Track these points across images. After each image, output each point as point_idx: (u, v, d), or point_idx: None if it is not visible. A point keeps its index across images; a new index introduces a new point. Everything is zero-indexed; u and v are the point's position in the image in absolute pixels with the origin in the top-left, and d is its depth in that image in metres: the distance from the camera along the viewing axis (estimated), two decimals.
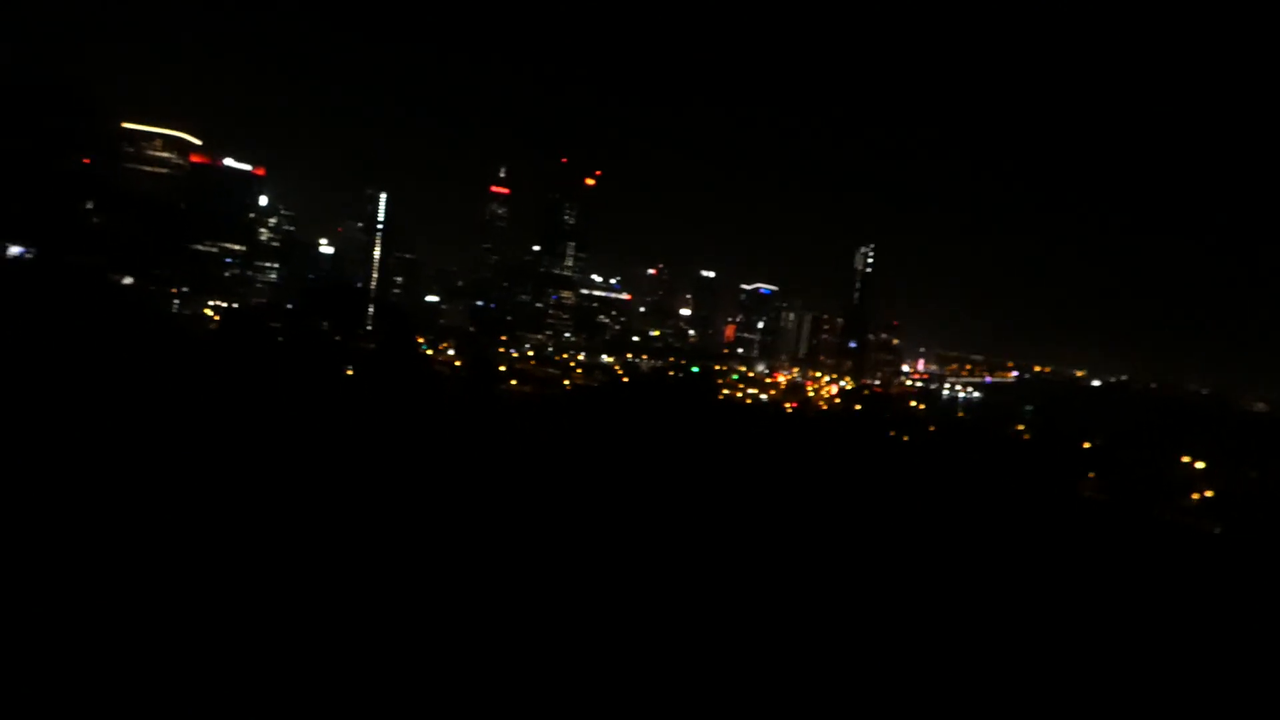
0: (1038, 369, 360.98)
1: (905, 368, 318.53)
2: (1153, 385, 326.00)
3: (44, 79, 21.68)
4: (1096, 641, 11.29)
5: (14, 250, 22.37)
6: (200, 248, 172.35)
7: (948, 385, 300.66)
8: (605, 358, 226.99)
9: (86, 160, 23.65)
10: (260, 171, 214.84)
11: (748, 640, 9.52)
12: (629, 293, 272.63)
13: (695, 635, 9.37)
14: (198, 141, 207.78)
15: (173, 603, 7.83)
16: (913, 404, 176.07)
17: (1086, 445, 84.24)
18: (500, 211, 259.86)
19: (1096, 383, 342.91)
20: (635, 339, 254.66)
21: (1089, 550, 20.07)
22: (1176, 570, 19.09)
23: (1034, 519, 26.65)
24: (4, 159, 20.61)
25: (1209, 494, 69.69)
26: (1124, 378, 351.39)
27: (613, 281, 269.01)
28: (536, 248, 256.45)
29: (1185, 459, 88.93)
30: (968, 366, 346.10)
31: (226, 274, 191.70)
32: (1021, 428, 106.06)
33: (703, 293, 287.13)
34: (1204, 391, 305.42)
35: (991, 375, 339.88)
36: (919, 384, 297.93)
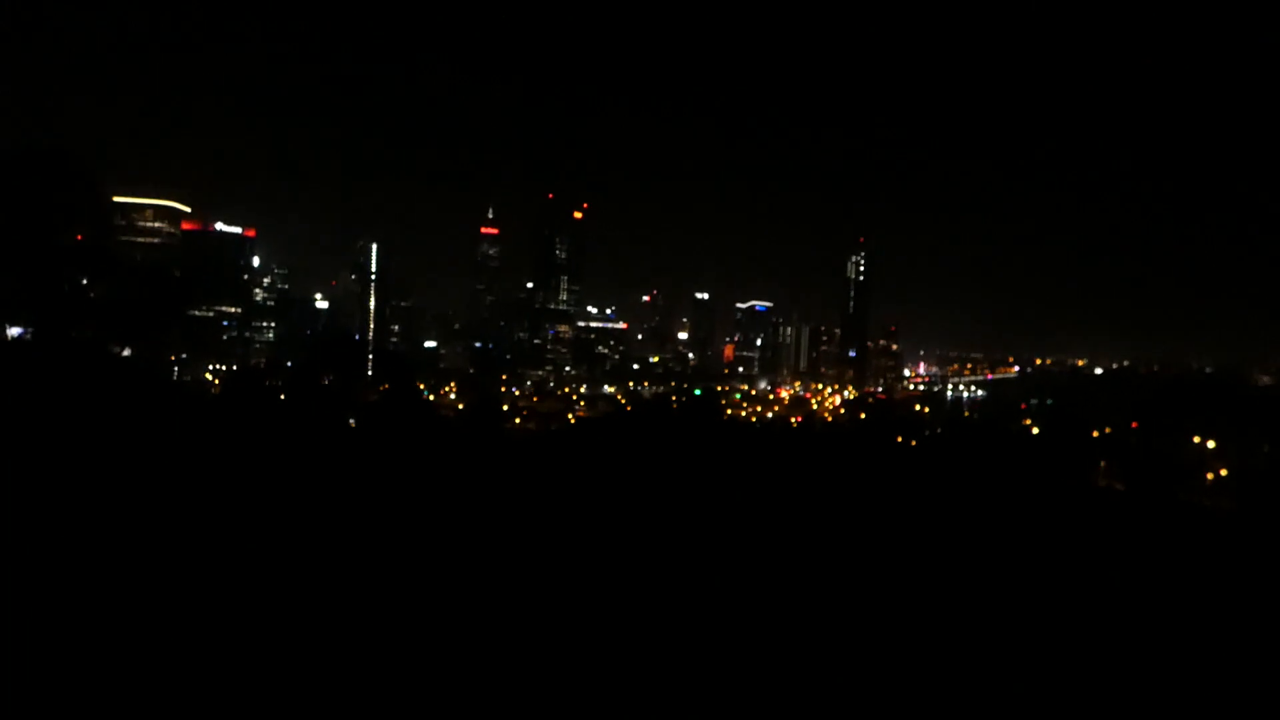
0: (1039, 362, 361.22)
1: (907, 371, 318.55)
2: (1155, 368, 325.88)
3: (36, 156, 21.89)
4: (1135, 631, 11.18)
5: (14, 331, 22.46)
6: (197, 313, 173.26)
7: (951, 385, 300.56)
8: (607, 388, 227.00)
9: (80, 236, 23.85)
10: (251, 233, 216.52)
11: (781, 662, 9.43)
12: (625, 321, 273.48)
13: (725, 663, 9.29)
14: (187, 209, 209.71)
15: (185, 661, 7.78)
16: (917, 407, 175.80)
17: (1095, 434, 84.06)
18: (492, 252, 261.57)
19: (1099, 371, 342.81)
20: (635, 366, 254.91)
21: (1113, 540, 19.92)
22: (1203, 553, 18.93)
23: (1051, 513, 26.48)
24: (2, 237, 20.78)
25: (1223, 472, 69.31)
26: (1126, 363, 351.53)
27: (608, 311, 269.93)
28: (530, 284, 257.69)
29: (1196, 439, 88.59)
30: (969, 365, 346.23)
31: (224, 336, 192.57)
32: (1029, 422, 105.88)
33: (699, 315, 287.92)
34: (1208, 370, 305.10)
35: (994, 372, 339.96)
36: (922, 387, 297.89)
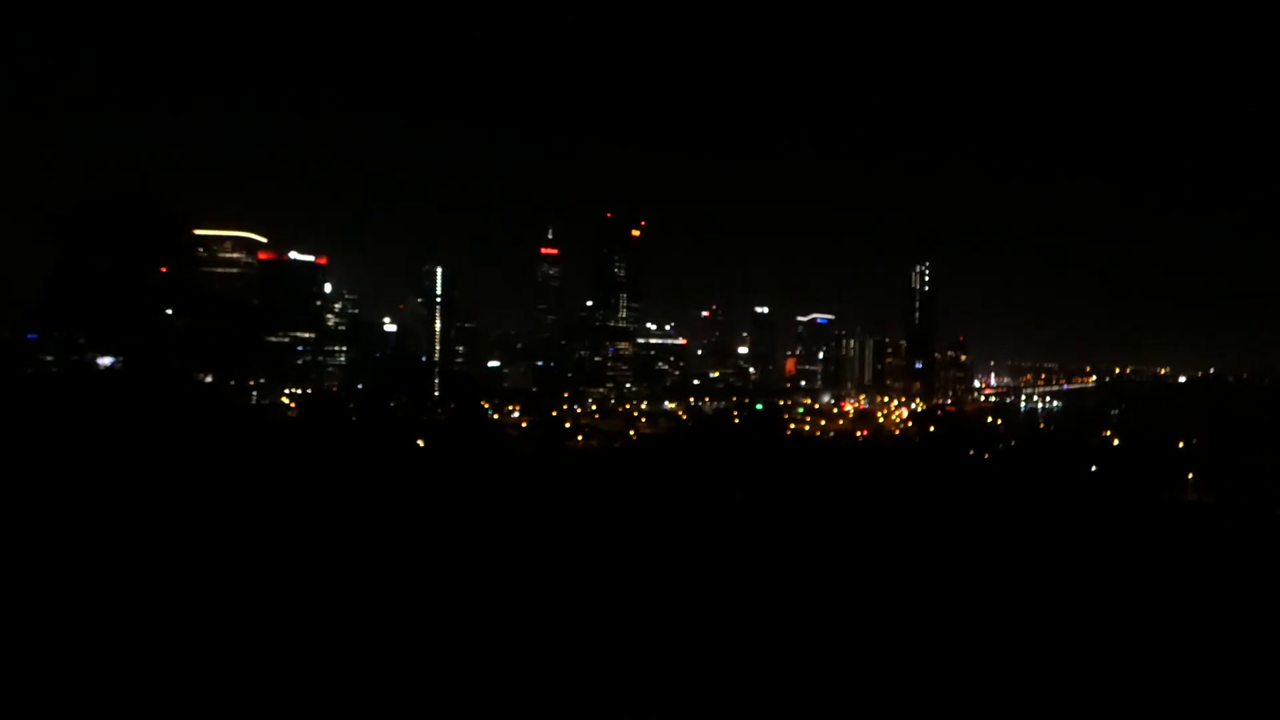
0: (1118, 370, 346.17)
1: (977, 383, 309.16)
2: (1245, 375, 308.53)
3: (126, 196, 23.29)
4: (1235, 652, 10.58)
5: (105, 361, 23.80)
6: (273, 339, 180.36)
7: (1024, 397, 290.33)
8: (668, 404, 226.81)
9: (165, 270, 25.17)
10: (323, 261, 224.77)
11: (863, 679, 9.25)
12: (685, 337, 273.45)
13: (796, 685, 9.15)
14: (263, 239, 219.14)
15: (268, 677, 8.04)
16: (990, 419, 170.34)
17: (1181, 445, 79.92)
18: (552, 272, 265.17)
19: (1183, 379, 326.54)
20: (696, 382, 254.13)
21: (1203, 556, 18.89)
22: None
23: (1135, 528, 25.26)
24: (94, 276, 22.17)
25: None
26: (1212, 371, 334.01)
27: (668, 328, 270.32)
28: (590, 303, 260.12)
29: None
30: (1043, 376, 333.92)
31: (299, 361, 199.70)
32: (1108, 433, 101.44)
33: (759, 329, 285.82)
34: None
35: (1070, 382, 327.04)
36: (994, 398, 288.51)
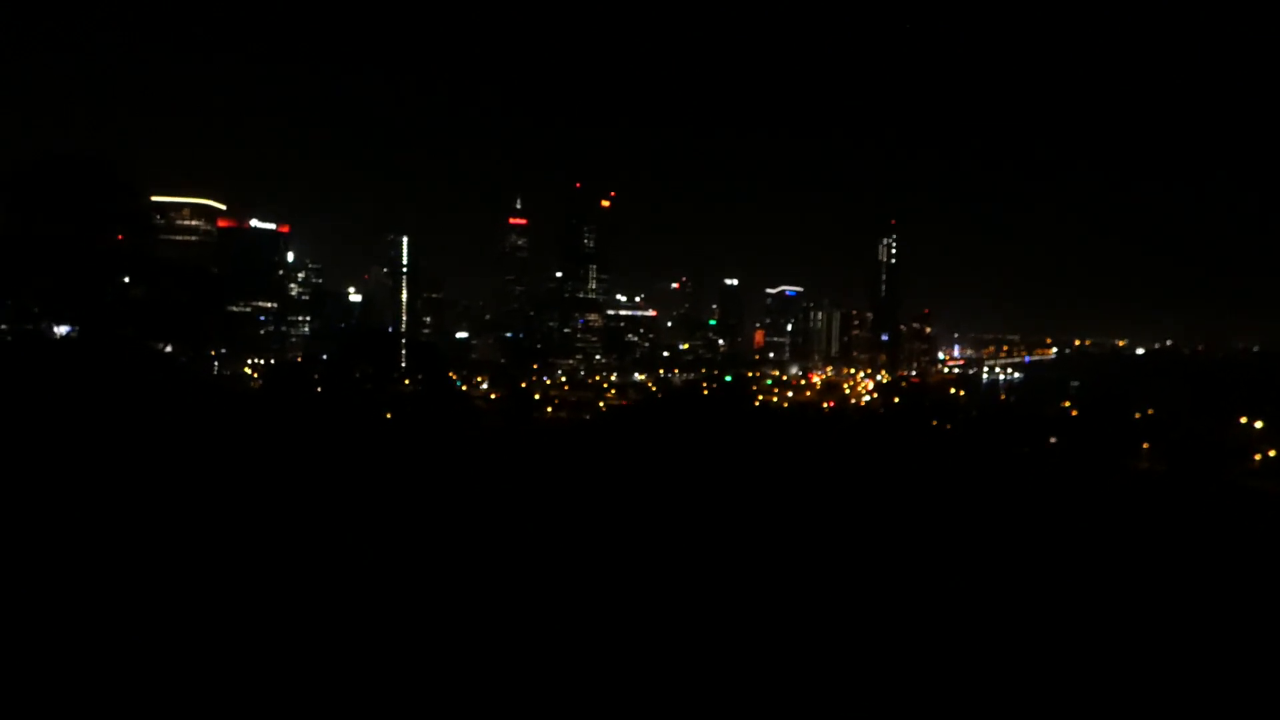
0: (1078, 343, 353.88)
1: (941, 355, 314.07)
2: (1200, 347, 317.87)
3: (79, 161, 22.48)
4: (1185, 617, 10.96)
5: (60, 329, 23.11)
6: (234, 309, 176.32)
7: (986, 368, 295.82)
8: (637, 375, 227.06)
9: (121, 236, 24.42)
10: (285, 229, 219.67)
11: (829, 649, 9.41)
12: (655, 308, 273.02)
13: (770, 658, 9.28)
14: (223, 206, 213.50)
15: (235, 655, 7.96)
16: (953, 391, 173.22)
17: (1138, 416, 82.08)
18: (520, 242, 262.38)
19: (1140, 351, 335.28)
20: (665, 354, 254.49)
21: (1158, 526, 19.52)
22: (1255, 538, 18.45)
23: (1088, 496, 25.98)
24: (46, 243, 21.45)
25: (1271, 454, 67.47)
26: (1168, 343, 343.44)
27: (637, 299, 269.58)
28: (559, 274, 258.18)
29: (1243, 420, 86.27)
30: (1005, 348, 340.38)
31: (261, 331, 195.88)
32: (1067, 404, 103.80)
33: (728, 301, 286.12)
34: (1254, 349, 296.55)
35: (1030, 354, 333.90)
36: (957, 370, 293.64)
